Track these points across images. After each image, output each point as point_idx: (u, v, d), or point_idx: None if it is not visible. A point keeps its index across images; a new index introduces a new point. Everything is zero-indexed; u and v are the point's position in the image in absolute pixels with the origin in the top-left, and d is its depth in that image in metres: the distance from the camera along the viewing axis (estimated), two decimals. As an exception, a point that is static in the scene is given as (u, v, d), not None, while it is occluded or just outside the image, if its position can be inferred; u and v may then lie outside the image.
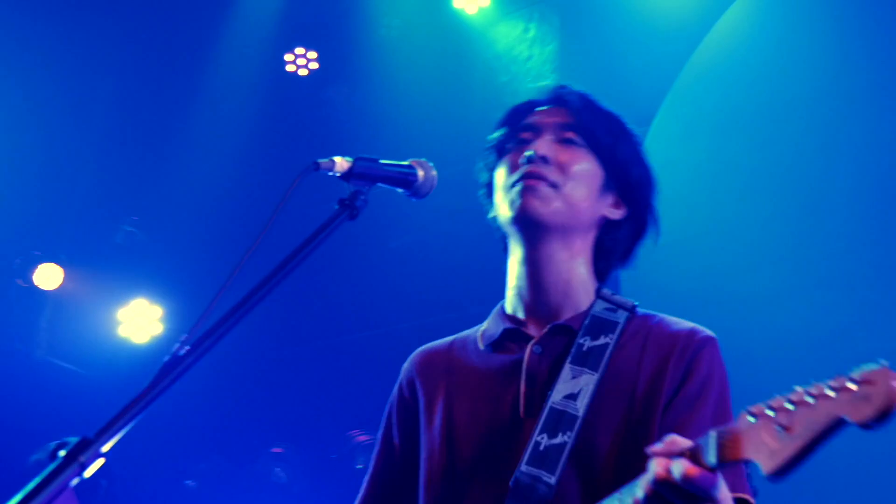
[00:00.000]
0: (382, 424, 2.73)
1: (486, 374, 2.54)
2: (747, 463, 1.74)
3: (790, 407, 1.63)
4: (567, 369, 2.42)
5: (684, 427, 2.23)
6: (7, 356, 7.72)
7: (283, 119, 8.54)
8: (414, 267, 8.07)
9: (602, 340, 2.46)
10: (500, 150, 2.68)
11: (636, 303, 2.56)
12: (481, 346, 2.62)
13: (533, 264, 2.55)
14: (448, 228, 7.53)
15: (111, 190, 8.21)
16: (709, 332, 2.48)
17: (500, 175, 2.62)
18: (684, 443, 1.89)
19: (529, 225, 2.51)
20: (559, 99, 2.69)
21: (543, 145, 2.56)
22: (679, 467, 1.83)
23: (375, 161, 2.28)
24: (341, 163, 2.22)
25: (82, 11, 7.81)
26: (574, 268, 2.56)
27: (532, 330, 2.55)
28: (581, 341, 2.46)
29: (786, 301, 6.08)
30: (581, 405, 2.35)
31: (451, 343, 2.72)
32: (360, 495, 2.71)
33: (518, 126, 2.67)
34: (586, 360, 2.42)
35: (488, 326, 2.65)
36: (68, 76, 7.84)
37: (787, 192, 6.35)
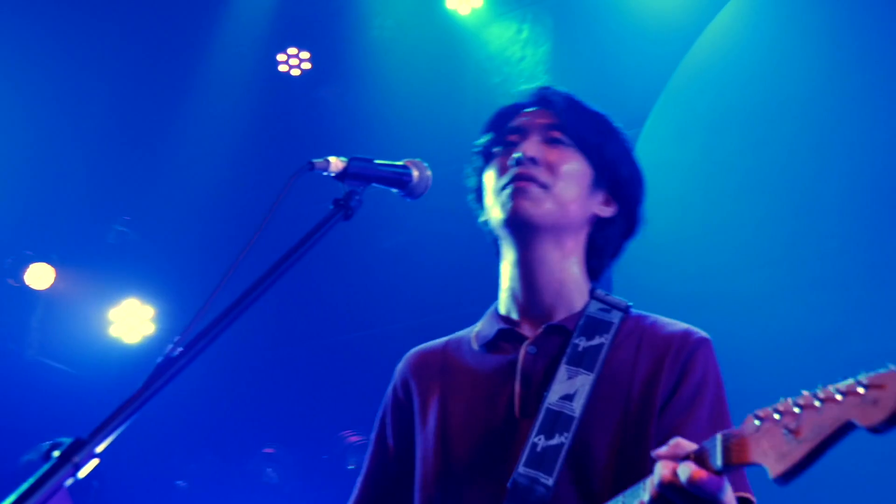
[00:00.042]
0: (376, 425, 2.72)
1: (480, 375, 2.54)
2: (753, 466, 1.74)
3: (797, 410, 1.63)
4: (563, 370, 2.42)
5: (681, 429, 2.23)
6: (-2, 356, 7.71)
7: (275, 119, 8.53)
8: (406, 267, 8.06)
9: (597, 341, 2.46)
10: (488, 155, 2.69)
11: (630, 303, 2.57)
12: (475, 346, 2.61)
13: (526, 266, 2.55)
14: (441, 229, 7.53)
15: (103, 189, 8.18)
16: (703, 334, 2.49)
17: (490, 179, 2.62)
18: (689, 446, 1.89)
19: (521, 227, 2.52)
20: (544, 100, 2.69)
21: (531, 146, 2.56)
22: (686, 470, 1.83)
23: (370, 161, 2.27)
24: (336, 163, 2.22)
25: (74, 9, 7.78)
26: (567, 268, 2.56)
27: (526, 330, 2.54)
28: (576, 341, 2.46)
29: (779, 302, 6.09)
30: (577, 406, 2.35)
31: (446, 344, 2.71)
32: (353, 497, 2.70)
33: (504, 129, 2.68)
34: (582, 361, 2.42)
35: (482, 327, 2.65)
36: (60, 74, 7.82)
37: (780, 193, 6.36)
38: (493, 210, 2.58)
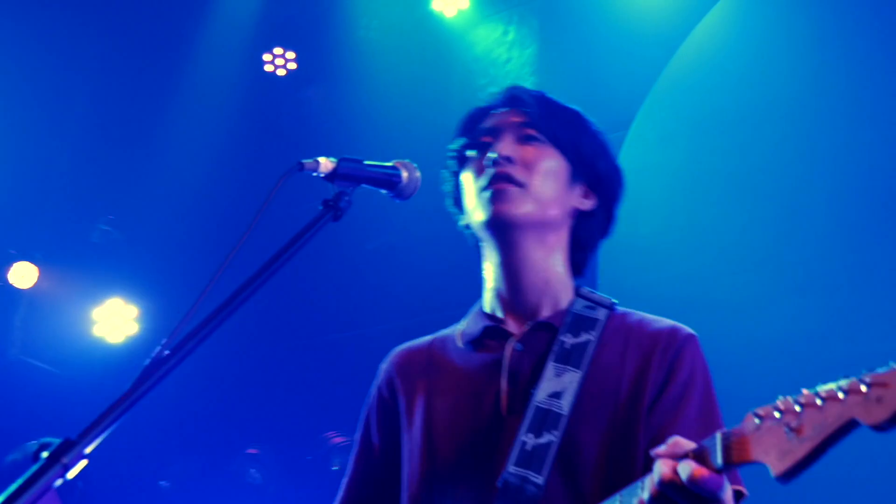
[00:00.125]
0: (361, 426, 2.70)
1: (466, 372, 2.54)
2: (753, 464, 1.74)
3: (798, 409, 1.63)
4: (550, 367, 2.41)
5: (670, 427, 2.25)
6: (-20, 355, 7.68)
7: (260, 119, 8.52)
8: (392, 268, 8.06)
9: (584, 338, 2.46)
10: (462, 159, 2.69)
11: (615, 300, 2.58)
12: (460, 344, 2.61)
13: (510, 266, 2.55)
14: (426, 229, 7.51)
15: (87, 188, 8.15)
16: (689, 330, 2.50)
17: (468, 181, 2.63)
18: (688, 444, 1.89)
19: (503, 228, 2.52)
20: (514, 99, 2.69)
21: (506, 146, 2.57)
22: (686, 469, 1.82)
23: (360, 162, 2.27)
24: (325, 163, 2.21)
25: (58, 8, 7.75)
26: (551, 266, 2.57)
27: (512, 327, 2.54)
28: (563, 339, 2.46)
29: (763, 304, 6.11)
30: (566, 404, 2.35)
31: (431, 342, 2.71)
32: (338, 498, 2.69)
33: (477, 131, 2.68)
34: (569, 358, 2.43)
35: (467, 325, 2.65)
36: (44, 73, 7.79)
37: (766, 195, 6.38)
38: (475, 213, 2.57)
